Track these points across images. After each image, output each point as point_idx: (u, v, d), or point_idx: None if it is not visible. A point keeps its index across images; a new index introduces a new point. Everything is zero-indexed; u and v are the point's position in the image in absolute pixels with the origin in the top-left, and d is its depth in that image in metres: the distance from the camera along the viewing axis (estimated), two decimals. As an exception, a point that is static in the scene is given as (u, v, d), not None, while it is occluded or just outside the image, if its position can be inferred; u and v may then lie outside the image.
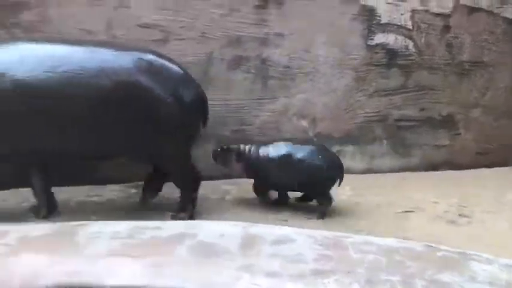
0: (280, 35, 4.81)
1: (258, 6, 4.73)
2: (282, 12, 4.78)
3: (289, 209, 4.19)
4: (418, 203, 4.36)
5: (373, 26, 5.02)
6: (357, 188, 4.62)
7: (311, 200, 4.28)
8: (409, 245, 2.81)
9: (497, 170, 5.36)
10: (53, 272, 2.44)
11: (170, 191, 4.09)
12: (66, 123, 3.56)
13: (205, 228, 2.92)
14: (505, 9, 5.34)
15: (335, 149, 4.99)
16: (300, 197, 4.33)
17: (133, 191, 4.37)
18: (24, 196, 4.05)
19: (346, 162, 5.01)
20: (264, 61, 4.80)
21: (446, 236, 3.71)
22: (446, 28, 5.22)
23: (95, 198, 4.26)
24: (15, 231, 2.84)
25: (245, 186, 4.36)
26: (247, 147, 4.20)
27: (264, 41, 4.77)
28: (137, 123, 3.64)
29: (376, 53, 5.07)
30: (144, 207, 4.04)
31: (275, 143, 4.18)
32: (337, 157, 4.30)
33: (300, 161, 4.05)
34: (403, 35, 5.11)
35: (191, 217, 3.87)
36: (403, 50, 5.13)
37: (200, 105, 3.91)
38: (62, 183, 4.07)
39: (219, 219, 3.64)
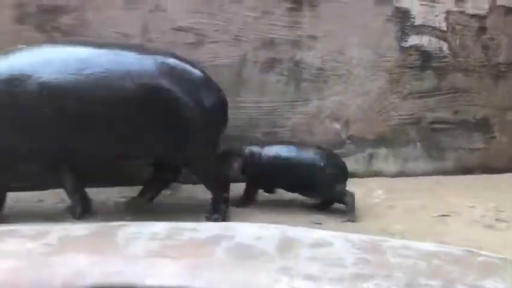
0: (313, 37, 4.78)
1: (291, 9, 4.72)
2: (315, 15, 4.76)
3: (321, 212, 4.17)
4: (454, 207, 4.29)
5: (406, 27, 4.96)
6: (390, 192, 4.56)
7: (332, 204, 4.24)
8: (448, 250, 2.78)
9: (533, 174, 5.23)
10: (94, 272, 2.48)
11: (205, 192, 4.08)
12: (90, 124, 3.61)
13: (241, 230, 2.94)
14: (543, 10, 5.23)
15: (368, 151, 4.97)
16: (320, 203, 4.28)
17: (168, 192, 4.39)
18: (60, 197, 4.09)
19: (379, 164, 5.02)
20: (297, 63, 4.78)
21: (484, 240, 3.63)
22: (482, 29, 5.13)
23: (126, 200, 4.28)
24: (56, 230, 2.90)
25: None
26: (249, 148, 4.21)
27: (297, 43, 4.76)
28: (159, 125, 3.69)
29: (410, 55, 5.00)
30: (144, 208, 4.05)
31: (275, 145, 4.26)
32: (338, 157, 4.37)
33: (300, 162, 4.11)
34: (438, 36, 5.03)
35: (225, 217, 3.89)
36: (438, 52, 5.04)
37: (221, 108, 3.95)
38: (92, 184, 4.11)
39: (249, 221, 3.65)
